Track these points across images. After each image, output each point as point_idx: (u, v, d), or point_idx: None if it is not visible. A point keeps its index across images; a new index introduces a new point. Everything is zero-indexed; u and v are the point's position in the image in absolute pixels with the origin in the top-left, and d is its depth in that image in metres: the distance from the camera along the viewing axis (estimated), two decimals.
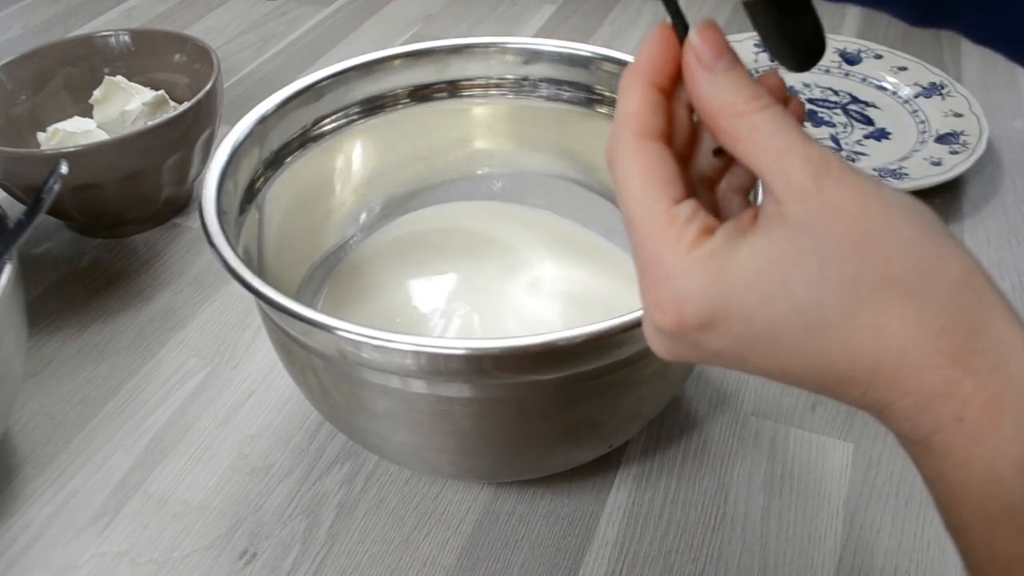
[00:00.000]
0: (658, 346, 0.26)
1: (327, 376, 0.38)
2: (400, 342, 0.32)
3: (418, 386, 0.36)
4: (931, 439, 0.23)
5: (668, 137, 0.26)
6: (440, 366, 0.34)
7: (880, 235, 0.22)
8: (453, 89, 0.52)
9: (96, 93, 0.64)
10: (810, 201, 0.23)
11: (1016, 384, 0.22)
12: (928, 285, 0.22)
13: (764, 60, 0.77)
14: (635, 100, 0.25)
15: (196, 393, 0.51)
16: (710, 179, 0.28)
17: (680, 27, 0.26)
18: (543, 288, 0.52)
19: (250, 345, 0.54)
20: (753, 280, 0.23)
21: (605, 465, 0.46)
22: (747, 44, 0.79)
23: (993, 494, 0.22)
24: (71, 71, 0.66)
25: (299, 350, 0.38)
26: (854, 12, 0.90)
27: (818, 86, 0.75)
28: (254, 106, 0.46)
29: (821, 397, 0.46)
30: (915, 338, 0.22)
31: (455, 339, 0.33)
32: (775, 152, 0.23)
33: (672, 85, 0.26)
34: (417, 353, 0.33)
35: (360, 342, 0.33)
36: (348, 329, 0.33)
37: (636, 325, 0.33)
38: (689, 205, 0.24)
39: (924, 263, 0.22)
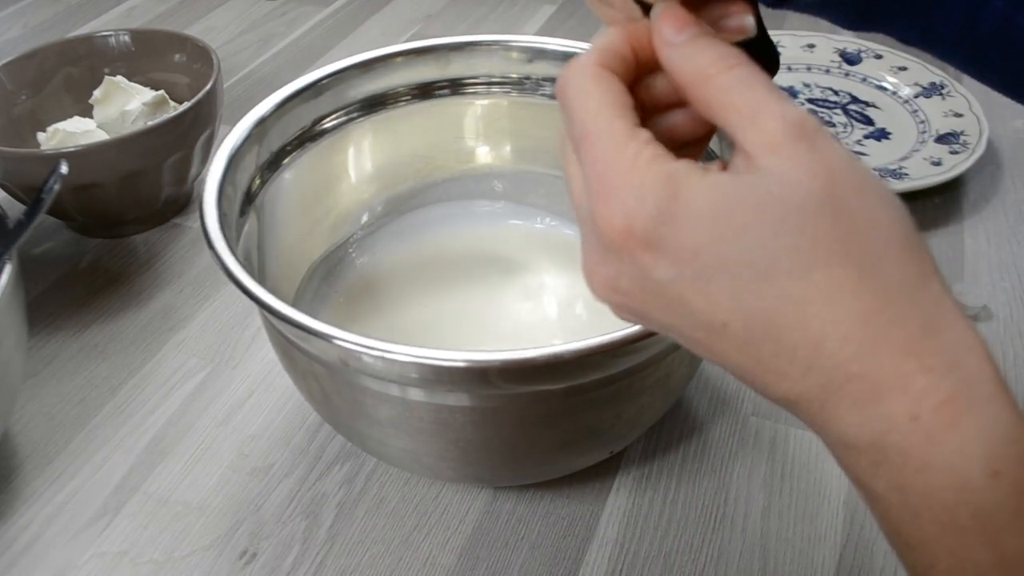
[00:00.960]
0: (599, 275, 0.25)
1: (328, 382, 0.38)
2: (402, 353, 0.32)
3: (419, 395, 0.36)
4: (884, 440, 0.21)
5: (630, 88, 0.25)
6: (442, 377, 0.34)
7: (850, 205, 0.21)
8: (455, 87, 0.52)
9: (96, 93, 0.64)
10: (783, 153, 0.22)
11: (974, 385, 0.21)
12: (887, 271, 0.21)
13: None
14: (601, 43, 0.26)
15: (196, 393, 0.51)
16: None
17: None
18: (547, 300, 0.52)
19: (250, 345, 0.54)
20: (708, 213, 0.22)
21: (605, 466, 0.46)
22: None
23: (963, 500, 0.20)
24: (71, 71, 0.66)
25: (300, 355, 0.38)
26: None
27: (818, 86, 0.75)
28: (254, 106, 0.46)
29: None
30: (867, 318, 0.21)
31: (457, 351, 0.32)
32: (747, 108, 0.23)
33: (639, 66, 0.26)
34: (419, 364, 0.33)
35: (362, 353, 0.33)
36: (350, 340, 0.33)
37: (640, 337, 0.33)
38: (648, 132, 0.24)
39: (888, 250, 0.21)
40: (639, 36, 0.26)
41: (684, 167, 0.23)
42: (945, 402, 0.20)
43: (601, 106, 0.24)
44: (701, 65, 0.24)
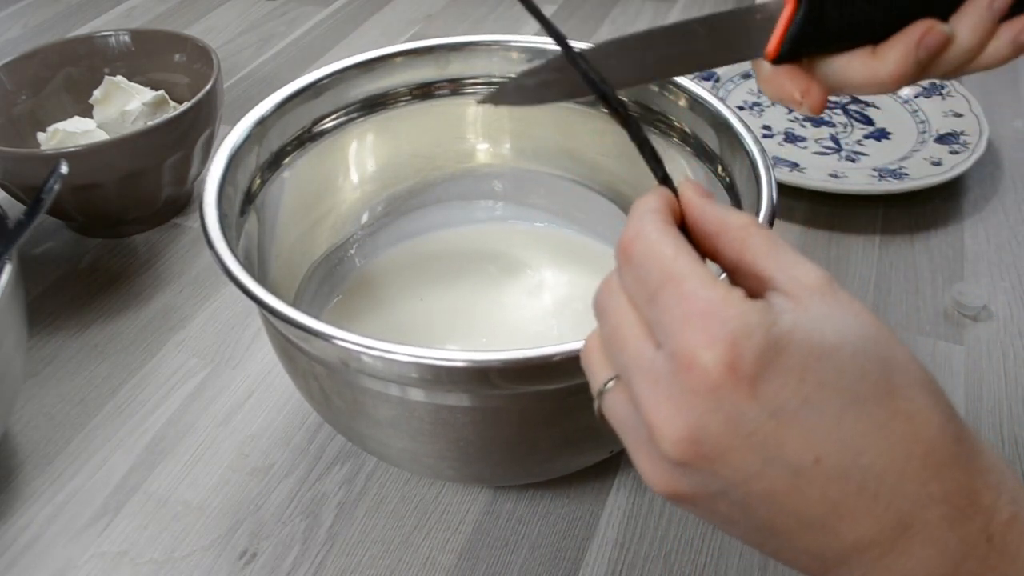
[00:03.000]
0: (675, 424, 0.22)
1: (328, 382, 0.38)
2: (402, 353, 0.32)
3: (419, 395, 0.36)
4: (959, 570, 0.22)
5: None
6: (442, 377, 0.34)
7: (889, 340, 0.23)
8: (455, 87, 0.52)
9: (96, 93, 0.64)
10: (828, 299, 0.23)
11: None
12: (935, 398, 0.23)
13: None
14: (655, 203, 0.25)
15: (196, 393, 0.51)
16: None
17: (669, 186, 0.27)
18: (548, 297, 0.52)
19: (250, 345, 0.54)
20: (807, 342, 0.22)
21: (605, 466, 0.46)
22: None
23: None
24: (71, 71, 0.66)
25: (300, 356, 0.38)
26: None
27: None
28: (254, 106, 0.46)
29: None
30: (940, 432, 0.22)
31: (457, 351, 0.32)
32: (786, 262, 0.24)
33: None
34: (419, 364, 0.33)
35: (362, 353, 0.33)
36: (350, 340, 0.33)
37: None
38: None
39: (923, 379, 0.23)
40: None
41: (776, 301, 0.23)
42: (1010, 520, 0.22)
43: (679, 252, 0.23)
44: (733, 220, 0.25)
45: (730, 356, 0.21)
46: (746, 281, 0.25)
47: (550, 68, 0.32)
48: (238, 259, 0.37)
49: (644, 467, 0.24)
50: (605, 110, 0.29)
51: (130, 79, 0.65)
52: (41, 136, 0.63)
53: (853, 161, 0.66)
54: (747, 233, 0.24)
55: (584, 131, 0.52)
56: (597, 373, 0.26)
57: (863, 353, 0.22)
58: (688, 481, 0.23)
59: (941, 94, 0.72)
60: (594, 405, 0.26)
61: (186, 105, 0.58)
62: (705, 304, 0.22)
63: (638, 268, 0.24)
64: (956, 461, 0.22)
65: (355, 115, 0.50)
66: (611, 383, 0.25)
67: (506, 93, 0.32)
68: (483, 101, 0.32)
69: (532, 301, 0.52)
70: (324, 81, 0.48)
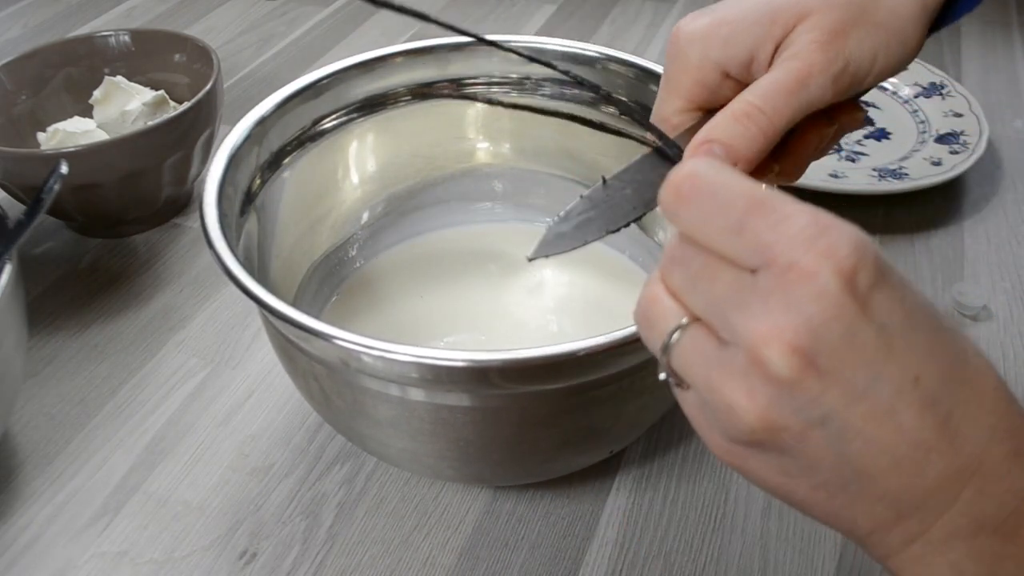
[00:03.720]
0: (798, 338, 0.21)
1: (328, 382, 0.38)
2: (402, 353, 0.32)
3: (419, 395, 0.36)
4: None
5: None
6: (442, 377, 0.34)
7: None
8: (455, 87, 0.52)
9: (96, 93, 0.64)
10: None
11: None
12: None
13: None
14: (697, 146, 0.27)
15: (196, 393, 0.51)
16: None
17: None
18: (547, 297, 0.52)
19: (250, 345, 0.54)
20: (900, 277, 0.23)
21: (605, 466, 0.46)
22: None
23: None
24: (71, 71, 0.66)
25: (301, 356, 0.38)
26: None
27: None
28: (254, 106, 0.46)
29: None
30: (997, 374, 0.23)
31: (457, 351, 0.32)
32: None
33: None
34: (419, 364, 0.33)
35: (362, 353, 0.33)
36: (350, 340, 0.33)
37: (639, 336, 0.33)
38: None
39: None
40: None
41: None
42: None
43: (751, 180, 0.23)
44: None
45: (850, 266, 0.21)
46: None
47: (580, 210, 0.33)
48: (238, 259, 0.37)
49: (737, 400, 0.23)
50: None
51: (130, 79, 0.65)
52: (41, 136, 0.63)
53: (853, 161, 0.66)
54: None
55: (584, 131, 0.52)
56: (665, 318, 0.25)
57: (916, 291, 0.23)
58: (791, 405, 0.22)
59: (941, 94, 0.72)
60: (661, 358, 0.25)
61: (186, 105, 0.58)
62: (812, 219, 0.22)
63: (706, 201, 0.23)
64: (1012, 402, 0.23)
65: (355, 115, 0.50)
66: (681, 327, 0.24)
67: (548, 245, 0.33)
68: (532, 257, 0.33)
69: (532, 301, 0.52)
70: (324, 81, 0.48)
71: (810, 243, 0.22)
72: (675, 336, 0.24)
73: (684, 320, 0.24)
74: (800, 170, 0.34)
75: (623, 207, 0.32)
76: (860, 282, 0.21)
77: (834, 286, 0.21)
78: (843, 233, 0.22)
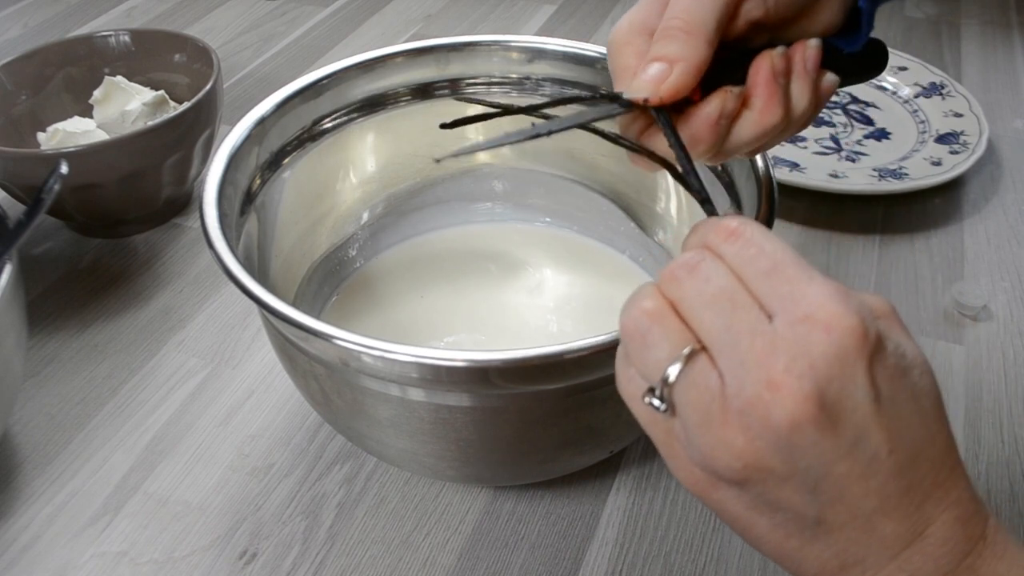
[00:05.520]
0: (754, 422, 0.23)
1: (328, 382, 0.38)
2: (402, 353, 0.32)
3: (419, 395, 0.36)
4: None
5: None
6: (442, 377, 0.34)
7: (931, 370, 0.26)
8: (454, 87, 0.52)
9: (96, 93, 0.64)
10: (896, 324, 0.25)
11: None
12: None
13: None
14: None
15: (196, 393, 0.51)
16: None
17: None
18: (547, 297, 0.52)
19: (250, 345, 0.54)
20: (896, 343, 0.24)
21: (605, 466, 0.46)
22: None
23: None
24: (71, 71, 0.66)
25: (300, 355, 0.38)
26: None
27: None
28: (254, 106, 0.46)
29: None
30: (956, 449, 0.25)
31: (457, 351, 0.32)
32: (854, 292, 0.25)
33: None
34: (419, 364, 0.33)
35: (362, 353, 0.33)
36: (350, 340, 0.33)
37: None
38: None
39: None
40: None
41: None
42: (996, 524, 0.25)
43: (786, 246, 0.25)
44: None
45: (862, 330, 0.22)
46: None
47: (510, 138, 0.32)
48: (238, 259, 0.37)
49: (732, 438, 0.23)
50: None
51: (130, 79, 0.65)
52: (41, 136, 0.63)
53: (853, 161, 0.66)
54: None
55: (584, 131, 0.52)
56: (671, 342, 0.25)
57: (925, 374, 0.24)
58: (784, 451, 0.23)
59: (941, 94, 0.72)
60: (658, 384, 0.25)
61: (186, 105, 0.58)
62: (840, 285, 0.23)
63: (751, 245, 0.24)
64: (965, 472, 0.25)
65: (355, 115, 0.50)
66: (689, 356, 0.24)
67: (462, 150, 0.33)
68: (440, 159, 0.33)
69: (532, 300, 0.52)
70: (324, 81, 0.48)
71: (833, 301, 0.23)
72: (678, 365, 0.24)
73: (692, 348, 0.24)
74: (764, 104, 0.31)
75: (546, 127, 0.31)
76: (867, 347, 0.22)
77: (849, 344, 0.22)
78: (867, 299, 0.24)
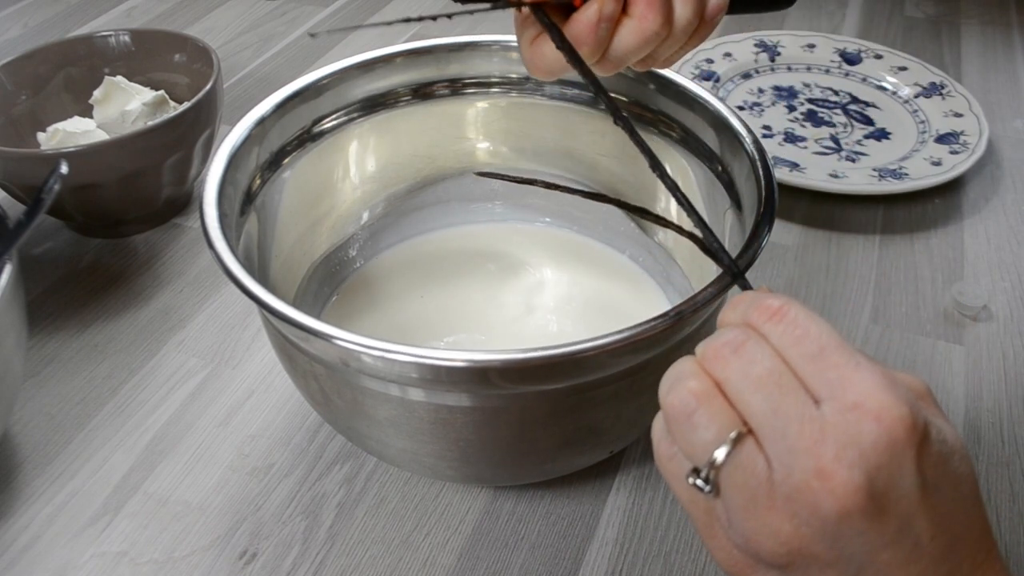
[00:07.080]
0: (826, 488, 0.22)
1: (328, 382, 0.38)
2: (402, 353, 0.32)
3: (419, 395, 0.36)
4: None
5: None
6: (442, 377, 0.34)
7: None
8: (454, 87, 0.52)
9: (96, 93, 0.64)
10: (932, 405, 0.25)
11: None
12: None
13: (764, 60, 0.77)
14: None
15: (196, 393, 0.51)
16: None
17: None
18: (547, 297, 0.52)
19: (250, 345, 0.54)
20: (939, 429, 0.24)
21: (605, 466, 0.46)
22: (747, 44, 0.79)
23: None
24: (71, 71, 0.66)
25: (300, 355, 0.38)
26: (854, 12, 0.90)
27: (818, 86, 0.75)
28: (254, 106, 0.46)
29: None
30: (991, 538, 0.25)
31: (457, 351, 0.32)
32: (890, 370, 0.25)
33: None
34: (419, 364, 0.33)
35: (362, 353, 0.33)
36: (350, 340, 0.33)
37: (640, 337, 0.33)
38: None
39: None
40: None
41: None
42: None
43: (830, 328, 0.25)
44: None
45: (911, 420, 0.22)
46: None
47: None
48: (238, 259, 0.37)
49: (779, 525, 0.23)
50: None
51: (130, 79, 0.65)
52: (41, 136, 0.63)
53: (853, 161, 0.66)
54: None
55: (584, 131, 0.52)
56: (720, 423, 0.24)
57: (962, 460, 0.24)
58: (830, 539, 0.23)
59: (941, 94, 0.72)
60: (705, 466, 0.24)
61: (186, 105, 0.58)
62: (885, 371, 0.23)
63: (796, 327, 0.24)
64: (1000, 555, 0.25)
65: (355, 115, 0.50)
66: (737, 439, 0.24)
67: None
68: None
69: (532, 300, 0.52)
70: (324, 81, 0.48)
71: (882, 390, 0.23)
72: (725, 448, 0.24)
73: (740, 431, 0.24)
74: (643, 11, 0.33)
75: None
76: (921, 434, 0.23)
77: (899, 433, 0.22)
78: (905, 379, 0.24)
